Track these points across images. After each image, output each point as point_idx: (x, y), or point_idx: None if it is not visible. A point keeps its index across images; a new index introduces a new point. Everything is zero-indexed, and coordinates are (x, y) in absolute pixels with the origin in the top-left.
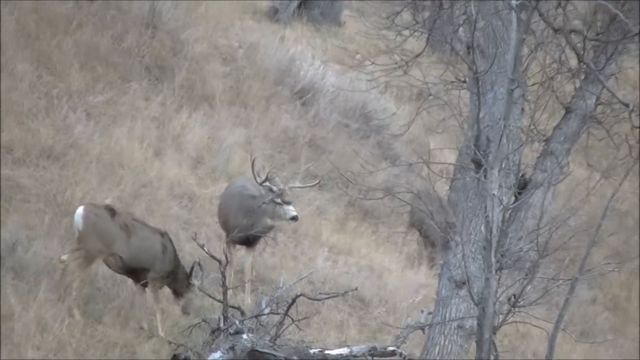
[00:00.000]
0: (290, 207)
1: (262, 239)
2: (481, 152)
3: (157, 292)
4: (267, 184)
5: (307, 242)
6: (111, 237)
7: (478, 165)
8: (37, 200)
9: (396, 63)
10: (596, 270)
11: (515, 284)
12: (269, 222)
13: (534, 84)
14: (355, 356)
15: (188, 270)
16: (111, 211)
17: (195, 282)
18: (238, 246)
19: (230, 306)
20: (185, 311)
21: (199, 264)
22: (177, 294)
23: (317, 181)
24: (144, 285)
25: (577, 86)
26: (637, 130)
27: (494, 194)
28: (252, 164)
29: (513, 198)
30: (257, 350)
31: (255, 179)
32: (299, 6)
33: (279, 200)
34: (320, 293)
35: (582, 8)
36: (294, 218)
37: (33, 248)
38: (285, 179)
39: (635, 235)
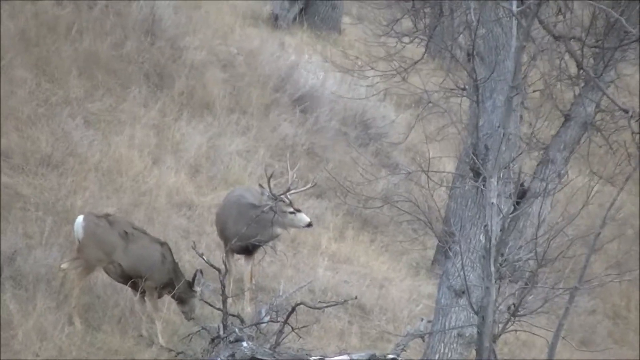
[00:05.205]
0: (303, 215)
1: (261, 248)
2: (480, 161)
3: (155, 301)
4: (267, 194)
5: (306, 251)
6: (111, 245)
7: (477, 173)
8: (36, 208)
9: (395, 70)
10: (596, 281)
11: (515, 293)
12: (278, 231)
13: (534, 91)
14: None
15: (190, 278)
16: (111, 220)
17: (198, 289)
18: (237, 255)
19: (230, 314)
20: (188, 317)
21: (201, 272)
22: (180, 301)
23: (310, 185)
24: (143, 294)
25: (576, 93)
26: (637, 136)
27: (492, 203)
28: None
29: (512, 207)
30: (257, 358)
31: (271, 192)
32: (300, 13)
33: (291, 209)
34: (320, 302)
35: (581, 15)
36: (310, 224)
37: (32, 256)
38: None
39: (635, 245)
